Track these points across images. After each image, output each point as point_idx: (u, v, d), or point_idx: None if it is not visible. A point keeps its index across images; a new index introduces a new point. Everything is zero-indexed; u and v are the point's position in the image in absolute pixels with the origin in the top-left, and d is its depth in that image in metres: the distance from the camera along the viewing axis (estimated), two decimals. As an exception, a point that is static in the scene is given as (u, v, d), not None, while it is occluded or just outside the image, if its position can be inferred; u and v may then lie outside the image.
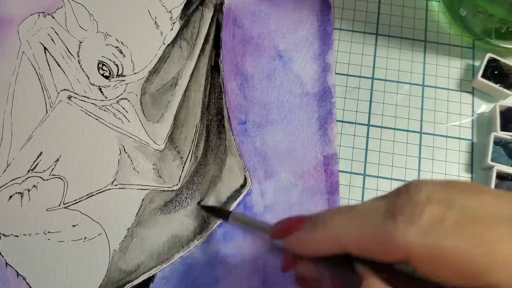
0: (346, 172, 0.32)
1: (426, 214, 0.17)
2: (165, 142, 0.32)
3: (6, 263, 0.30)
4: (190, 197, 0.31)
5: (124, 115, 0.33)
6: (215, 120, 0.33)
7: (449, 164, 0.32)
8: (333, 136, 0.32)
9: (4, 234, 0.30)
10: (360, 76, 0.34)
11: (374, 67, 0.34)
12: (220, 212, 0.30)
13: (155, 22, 0.35)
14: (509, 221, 0.17)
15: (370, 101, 0.34)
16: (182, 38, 0.34)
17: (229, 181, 0.31)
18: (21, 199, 0.31)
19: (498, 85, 0.32)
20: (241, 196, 0.31)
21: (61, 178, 0.31)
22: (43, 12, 0.35)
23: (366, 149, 0.33)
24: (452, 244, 0.17)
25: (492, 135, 0.31)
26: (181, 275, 0.30)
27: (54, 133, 0.32)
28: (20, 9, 0.35)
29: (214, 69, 0.34)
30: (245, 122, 0.33)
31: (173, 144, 0.32)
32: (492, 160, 0.31)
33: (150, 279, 0.30)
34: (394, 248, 0.18)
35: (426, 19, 0.36)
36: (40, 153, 0.32)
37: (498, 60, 0.32)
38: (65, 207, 0.31)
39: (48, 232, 0.30)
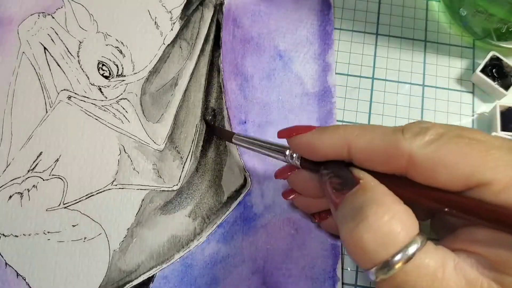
0: (346, 172, 0.32)
1: (431, 130, 0.20)
2: (165, 142, 0.32)
3: (6, 263, 0.30)
4: (190, 197, 0.31)
5: (124, 115, 0.33)
6: (215, 120, 0.33)
7: (449, 164, 0.32)
8: (333, 136, 0.32)
9: (4, 234, 0.30)
10: (360, 76, 0.34)
11: (374, 67, 0.34)
12: (224, 133, 0.31)
13: (155, 22, 0.35)
14: (501, 147, 0.19)
15: (370, 101, 0.34)
16: (182, 38, 0.34)
17: (229, 181, 0.31)
18: (21, 199, 0.31)
19: (495, 82, 0.32)
20: (241, 196, 0.31)
21: (61, 178, 0.31)
22: (43, 12, 0.35)
23: (366, 149, 0.33)
24: (449, 148, 0.19)
25: (492, 135, 0.31)
26: (181, 275, 0.30)
27: (54, 133, 0.32)
28: (20, 9, 0.35)
29: (214, 69, 0.34)
30: (245, 122, 0.33)
31: (173, 144, 0.32)
32: (492, 160, 0.31)
33: (150, 279, 0.30)
34: (398, 155, 0.20)
35: (426, 19, 0.36)
36: (40, 153, 0.32)
37: (501, 60, 0.32)
38: (65, 207, 0.31)
39: (48, 232, 0.30)
